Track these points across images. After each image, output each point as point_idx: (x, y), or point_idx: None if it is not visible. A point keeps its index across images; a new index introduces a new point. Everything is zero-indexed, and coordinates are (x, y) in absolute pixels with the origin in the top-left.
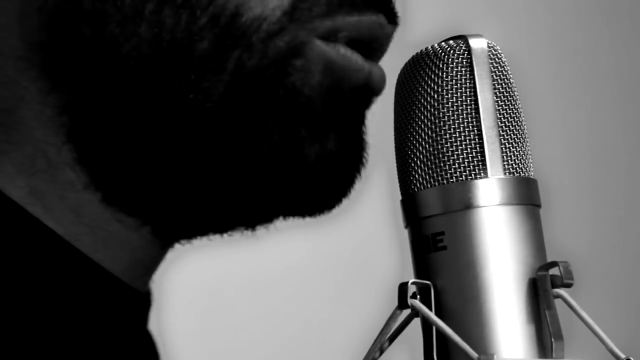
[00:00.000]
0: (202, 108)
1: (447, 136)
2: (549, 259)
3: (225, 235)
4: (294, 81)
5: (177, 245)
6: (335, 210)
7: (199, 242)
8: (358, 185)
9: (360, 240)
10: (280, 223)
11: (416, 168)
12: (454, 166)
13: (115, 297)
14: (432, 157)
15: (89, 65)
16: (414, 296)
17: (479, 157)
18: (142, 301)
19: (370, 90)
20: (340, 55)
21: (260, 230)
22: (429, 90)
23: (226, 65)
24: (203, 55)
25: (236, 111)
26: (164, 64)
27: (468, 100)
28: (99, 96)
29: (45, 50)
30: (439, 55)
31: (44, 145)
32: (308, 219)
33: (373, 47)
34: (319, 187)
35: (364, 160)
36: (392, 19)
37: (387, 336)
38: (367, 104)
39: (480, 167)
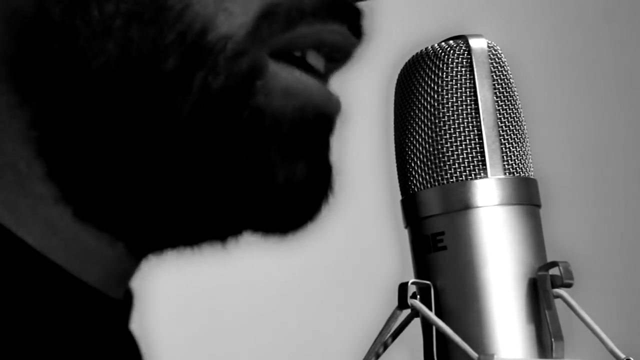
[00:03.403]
0: (170, 127)
1: (447, 136)
2: (549, 259)
3: (195, 248)
4: (258, 102)
5: (151, 257)
6: (302, 232)
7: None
8: (325, 211)
9: (360, 240)
10: (252, 236)
11: (416, 168)
12: (453, 166)
13: (91, 306)
14: (432, 157)
15: (58, 80)
16: (414, 296)
17: (479, 157)
18: (119, 308)
19: (330, 116)
20: (295, 77)
21: (230, 244)
22: (428, 90)
23: (192, 85)
24: (169, 74)
25: (204, 131)
26: (131, 82)
27: (468, 100)
28: (68, 111)
29: (14, 64)
30: (439, 55)
31: (13, 157)
32: (271, 238)
33: (334, 56)
34: (286, 208)
35: (331, 186)
36: (357, 32)
37: (387, 336)
38: (330, 130)
39: (480, 167)
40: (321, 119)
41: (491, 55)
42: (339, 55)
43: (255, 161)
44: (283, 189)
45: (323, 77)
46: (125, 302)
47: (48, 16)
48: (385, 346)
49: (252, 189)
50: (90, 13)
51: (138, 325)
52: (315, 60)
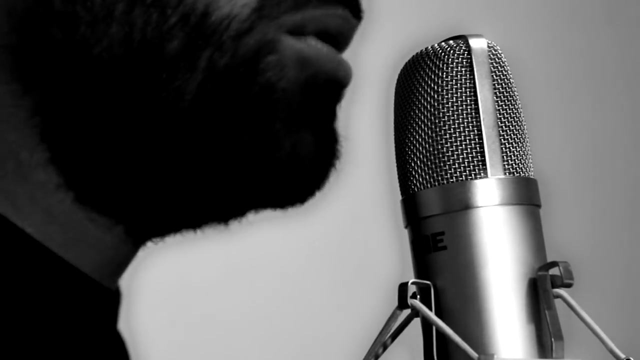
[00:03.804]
0: (176, 107)
1: (447, 136)
2: (549, 259)
3: (198, 230)
4: (269, 77)
5: (149, 244)
6: (308, 204)
7: (180, 240)
8: (332, 179)
9: (360, 240)
10: (262, 217)
11: (416, 168)
12: (454, 166)
13: (84, 295)
14: (432, 157)
15: (60, 67)
16: (414, 296)
17: (479, 157)
18: (112, 299)
19: (340, 82)
20: (311, 48)
21: (233, 224)
22: (428, 90)
23: (198, 64)
24: (174, 55)
25: (210, 110)
26: (135, 64)
27: (468, 100)
28: (71, 97)
29: (16, 53)
30: (439, 55)
31: (16, 146)
32: (280, 211)
33: (339, 40)
34: (293, 179)
35: (338, 154)
36: (357, 14)
37: (387, 336)
38: (339, 97)
39: (480, 167)
40: (330, 85)
41: (491, 55)
42: (341, 39)
43: (260, 135)
44: (289, 157)
45: None
46: (115, 296)
47: (49, 3)
48: (385, 347)
49: (259, 158)
50: None
51: (126, 324)
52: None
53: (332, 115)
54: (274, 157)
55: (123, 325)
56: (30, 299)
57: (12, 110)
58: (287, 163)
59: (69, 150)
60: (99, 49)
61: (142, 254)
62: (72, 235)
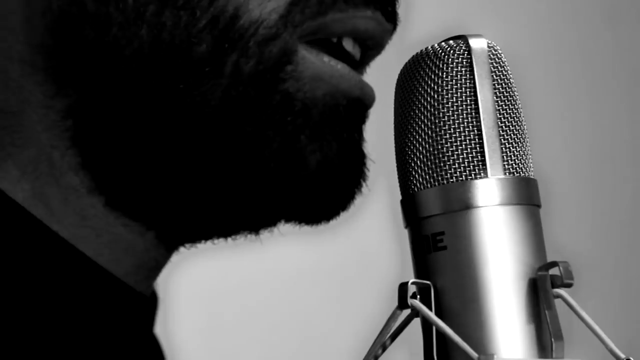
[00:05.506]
0: (201, 113)
1: (447, 136)
2: (549, 259)
3: (229, 239)
4: (287, 87)
5: (182, 249)
6: (334, 222)
7: (204, 246)
8: (358, 199)
9: (360, 240)
10: (284, 227)
11: (416, 168)
12: (454, 166)
13: (119, 300)
14: (432, 157)
15: (92, 68)
16: (414, 296)
17: (479, 157)
18: (147, 304)
19: (362, 102)
20: (325, 64)
21: (264, 233)
22: (428, 90)
23: (224, 70)
24: (201, 59)
25: (235, 117)
26: (163, 67)
27: (468, 100)
28: (102, 99)
29: (49, 54)
30: (439, 55)
31: (48, 148)
32: (308, 227)
33: (368, 44)
34: (319, 195)
35: (365, 174)
36: (391, 17)
37: (387, 336)
38: (362, 116)
39: (480, 167)
40: (352, 105)
41: (491, 55)
42: (372, 43)
43: (287, 147)
44: (315, 174)
45: (358, 64)
46: (151, 301)
47: (82, 5)
48: (384, 347)
49: (285, 175)
50: (125, 0)
51: (163, 328)
52: (351, 47)
53: (357, 135)
54: (301, 173)
55: (159, 330)
56: (64, 302)
57: (45, 111)
58: (312, 180)
59: (98, 155)
60: (130, 51)
61: (176, 258)
62: (106, 239)
